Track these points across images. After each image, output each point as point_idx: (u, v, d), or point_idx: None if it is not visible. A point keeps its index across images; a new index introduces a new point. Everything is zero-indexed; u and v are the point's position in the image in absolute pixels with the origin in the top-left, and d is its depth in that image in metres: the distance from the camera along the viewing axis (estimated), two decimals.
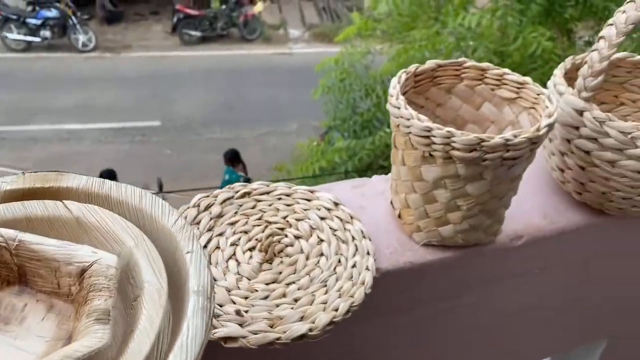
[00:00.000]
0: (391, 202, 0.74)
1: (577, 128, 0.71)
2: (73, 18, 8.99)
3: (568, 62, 0.80)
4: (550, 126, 0.61)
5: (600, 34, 0.68)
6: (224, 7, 9.50)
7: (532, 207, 0.77)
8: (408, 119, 0.61)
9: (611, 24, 0.67)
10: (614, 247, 0.83)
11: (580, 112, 0.70)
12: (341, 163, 3.43)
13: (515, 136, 0.58)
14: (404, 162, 0.66)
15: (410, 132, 0.61)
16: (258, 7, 9.68)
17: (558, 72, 0.77)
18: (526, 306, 0.88)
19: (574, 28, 3.87)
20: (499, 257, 0.74)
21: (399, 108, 0.62)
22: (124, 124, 7.44)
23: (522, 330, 0.93)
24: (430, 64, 0.71)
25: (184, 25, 9.33)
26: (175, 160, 6.97)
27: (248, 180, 5.55)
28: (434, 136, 0.59)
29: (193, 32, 9.34)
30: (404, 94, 0.70)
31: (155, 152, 7.08)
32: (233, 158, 5.37)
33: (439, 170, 0.62)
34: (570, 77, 0.76)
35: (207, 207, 0.67)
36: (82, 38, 8.98)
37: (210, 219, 0.66)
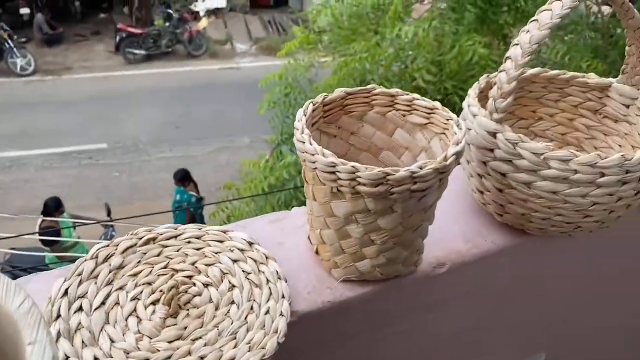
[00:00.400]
0: (309, 237, 0.71)
1: (491, 150, 0.69)
2: (9, 41, 8.67)
3: (482, 80, 0.79)
4: (458, 154, 0.59)
5: (507, 54, 0.67)
6: (167, 24, 9.36)
7: (455, 231, 0.76)
8: (313, 154, 0.58)
9: (516, 44, 0.66)
10: (537, 265, 0.83)
11: (493, 134, 0.68)
12: (290, 179, 3.39)
13: (421, 167, 0.56)
14: (314, 197, 0.63)
15: (316, 168, 0.58)
16: (203, 23, 9.58)
17: (472, 93, 0.76)
18: (461, 329, 0.86)
19: (509, 33, 3.98)
20: (423, 286, 0.72)
21: (303, 143, 0.59)
22: (70, 148, 7.20)
23: (461, 352, 0.91)
24: (338, 92, 0.68)
25: (127, 44, 9.14)
26: (124, 182, 6.77)
27: (200, 200, 5.44)
28: (339, 172, 0.56)
29: (137, 51, 9.15)
30: (314, 124, 0.67)
31: (103, 175, 6.86)
32: (183, 178, 5.26)
33: (349, 206, 0.59)
34: (486, 96, 0.75)
35: (107, 258, 0.62)
36: (20, 62, 8.67)
37: (110, 272, 0.61)
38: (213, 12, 10.10)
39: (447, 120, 0.65)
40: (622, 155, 0.64)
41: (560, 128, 0.87)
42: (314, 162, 0.58)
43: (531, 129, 0.89)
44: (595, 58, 3.48)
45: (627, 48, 0.74)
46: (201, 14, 9.94)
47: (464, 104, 0.75)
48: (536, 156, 0.65)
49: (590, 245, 0.86)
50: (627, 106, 0.79)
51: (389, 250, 0.63)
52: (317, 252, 0.68)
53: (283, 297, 0.61)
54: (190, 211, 5.12)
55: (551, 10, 0.65)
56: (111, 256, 0.63)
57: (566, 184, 0.66)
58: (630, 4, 0.67)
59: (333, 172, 0.57)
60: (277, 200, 3.52)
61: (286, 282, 0.62)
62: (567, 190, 0.66)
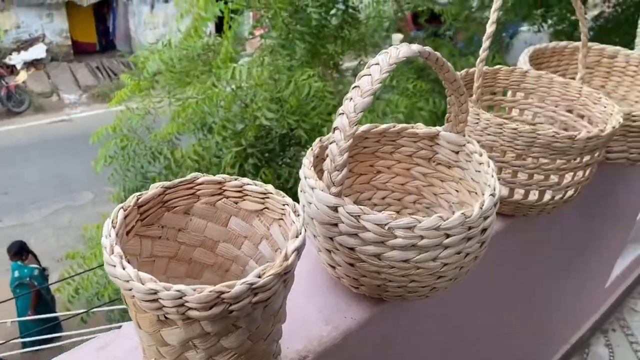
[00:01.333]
0: None
1: (335, 225, 0.64)
2: None
3: (315, 146, 0.74)
4: (300, 249, 0.52)
5: (335, 124, 0.63)
6: None
7: (312, 313, 0.69)
8: (127, 281, 0.47)
9: (342, 113, 0.62)
10: (398, 330, 0.80)
11: (334, 209, 0.63)
12: None
13: (259, 276, 0.48)
14: (140, 326, 0.52)
15: (134, 296, 0.48)
16: (21, 77, 8.73)
17: (306, 162, 0.70)
18: None
19: (339, 61, 4.15)
20: None
21: (114, 266, 0.48)
22: None
23: None
24: (154, 189, 0.59)
25: None
26: None
27: (44, 270, 4.83)
28: (162, 298, 0.46)
29: None
30: (129, 232, 0.56)
31: None
32: (19, 251, 4.63)
33: (182, 333, 0.49)
34: (323, 159, 0.70)
35: None
36: None
37: None
38: (32, 64, 9.23)
39: (283, 205, 0.59)
40: (462, 214, 0.63)
41: (399, 179, 0.86)
42: (130, 290, 0.47)
43: (372, 183, 0.86)
44: (419, 78, 3.76)
45: (448, 98, 0.75)
46: (18, 67, 9.05)
47: (301, 174, 0.70)
48: (381, 227, 0.62)
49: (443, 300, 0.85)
50: (457, 152, 0.79)
51: None
52: None
53: None
54: (35, 287, 4.52)
55: (370, 75, 0.62)
56: None
57: (415, 250, 0.63)
58: (444, 59, 0.67)
59: (155, 300, 0.47)
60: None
61: None
62: (417, 256, 0.63)
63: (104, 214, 3.95)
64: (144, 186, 3.47)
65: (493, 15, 0.81)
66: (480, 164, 0.74)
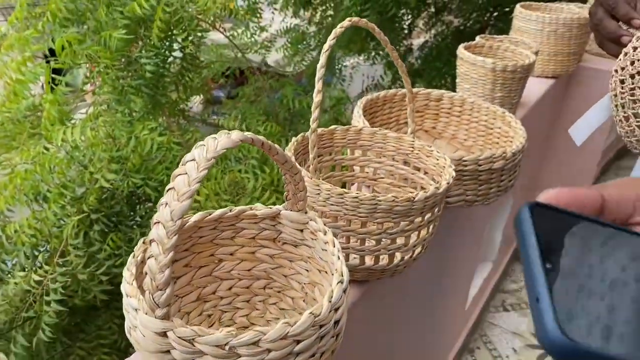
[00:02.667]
0: None
1: (167, 352, 0.55)
2: None
3: (138, 251, 0.64)
4: None
5: (150, 234, 0.53)
6: None
7: None
8: None
9: (157, 222, 0.53)
10: None
11: (163, 334, 0.54)
12: None
13: None
14: None
15: None
16: None
17: (127, 274, 0.60)
18: None
19: (185, 107, 4.01)
20: None
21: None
22: None
23: None
24: None
25: None
26: None
27: None
28: None
29: None
30: None
31: None
32: None
33: None
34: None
35: None
36: None
37: None
38: None
39: None
40: (311, 313, 0.56)
41: (245, 264, 0.78)
42: None
43: (215, 275, 0.77)
44: (269, 119, 3.75)
45: (283, 177, 0.69)
46: None
47: (122, 290, 0.59)
48: (220, 348, 0.53)
49: None
50: (301, 230, 0.74)
51: None
52: None
53: None
54: None
55: (187, 174, 0.54)
56: None
57: None
58: (270, 143, 0.61)
59: None
60: None
61: None
62: None
63: None
64: None
65: (318, 83, 0.77)
66: (326, 242, 0.69)
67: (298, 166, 0.68)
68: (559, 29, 1.81)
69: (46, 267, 2.02)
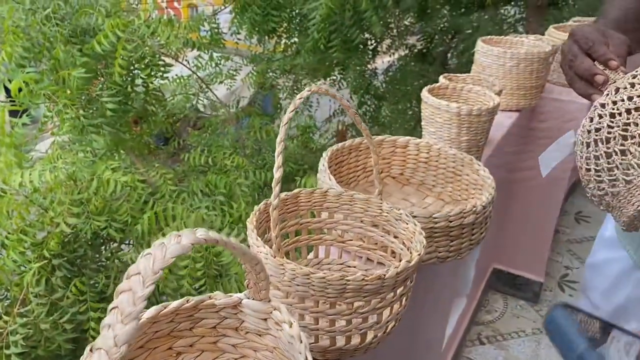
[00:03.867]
0: None
1: None
2: None
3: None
4: None
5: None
6: None
7: None
8: None
9: (99, 348, 0.47)
10: None
11: None
12: None
13: None
14: None
15: None
16: None
17: None
18: None
19: (150, 140, 3.92)
20: None
21: None
22: None
23: None
24: None
25: None
26: None
27: None
28: None
29: None
30: None
31: None
32: None
33: None
34: None
35: None
36: None
37: None
38: None
39: None
40: None
41: (206, 355, 0.73)
42: None
43: None
44: (235, 151, 3.69)
45: (243, 266, 0.65)
46: None
47: None
48: None
49: None
50: (265, 320, 0.69)
51: None
52: None
53: None
54: None
55: (131, 290, 0.48)
56: None
57: None
58: (227, 239, 0.56)
59: None
60: None
61: None
62: None
63: None
64: None
65: (278, 159, 0.73)
66: (292, 336, 0.65)
67: (258, 256, 0.63)
68: (520, 64, 1.82)
69: (5, 318, 1.91)
